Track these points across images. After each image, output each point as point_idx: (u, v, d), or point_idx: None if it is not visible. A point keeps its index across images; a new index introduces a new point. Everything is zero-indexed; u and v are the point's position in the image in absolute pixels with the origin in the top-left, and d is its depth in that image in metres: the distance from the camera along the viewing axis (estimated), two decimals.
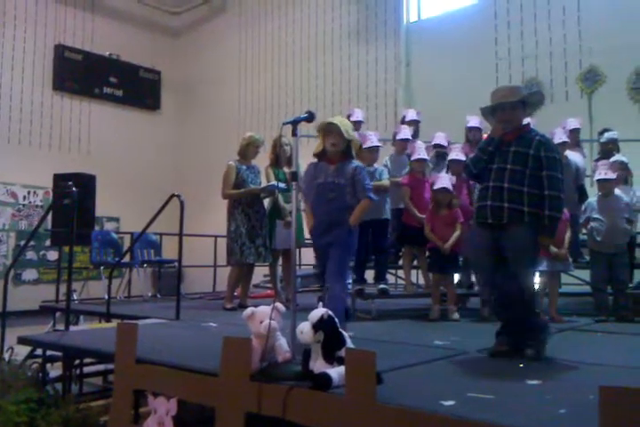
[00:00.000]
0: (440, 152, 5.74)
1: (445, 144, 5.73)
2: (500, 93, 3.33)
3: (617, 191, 4.97)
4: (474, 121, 5.63)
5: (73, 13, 11.97)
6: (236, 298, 5.82)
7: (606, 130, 6.11)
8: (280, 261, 5.86)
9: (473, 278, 5.56)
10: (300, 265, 7.86)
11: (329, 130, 3.60)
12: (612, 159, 5.37)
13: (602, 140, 6.02)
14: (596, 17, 8.33)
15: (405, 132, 5.68)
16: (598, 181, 4.94)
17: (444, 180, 4.92)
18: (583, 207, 5.11)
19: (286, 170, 5.63)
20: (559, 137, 5.34)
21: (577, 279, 6.12)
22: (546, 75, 8.69)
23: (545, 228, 3.23)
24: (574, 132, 5.95)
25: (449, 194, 4.92)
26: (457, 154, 5.26)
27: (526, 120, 3.47)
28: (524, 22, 9.05)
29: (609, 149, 5.86)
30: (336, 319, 2.55)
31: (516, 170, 3.22)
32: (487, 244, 3.27)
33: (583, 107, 8.22)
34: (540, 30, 8.88)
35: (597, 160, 5.77)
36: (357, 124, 5.67)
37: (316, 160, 3.76)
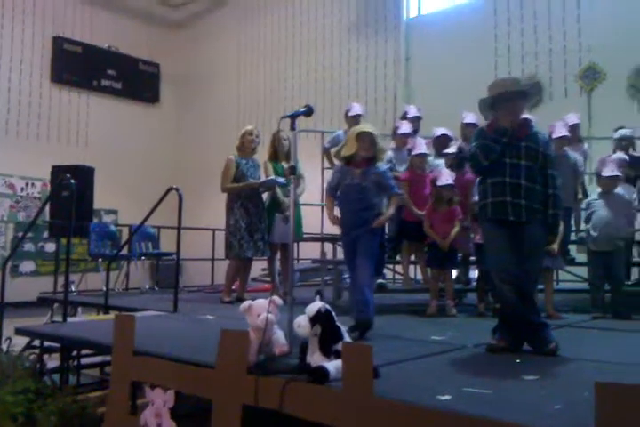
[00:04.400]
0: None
1: (451, 135, 5.69)
2: (504, 83, 3.25)
3: (618, 189, 4.93)
4: (470, 117, 5.60)
5: (72, 5, 11.92)
6: (233, 291, 5.83)
7: (622, 127, 6.01)
8: (278, 255, 5.88)
9: (471, 275, 5.57)
10: (298, 259, 7.86)
11: (363, 138, 3.82)
12: (614, 156, 5.33)
13: (615, 136, 5.97)
14: (596, 14, 8.32)
15: (406, 127, 5.67)
16: (609, 177, 4.80)
17: (448, 175, 4.89)
18: (585, 205, 5.06)
19: (285, 164, 5.63)
20: (559, 131, 5.12)
21: (574, 276, 6.14)
22: (545, 72, 8.69)
23: (550, 226, 3.24)
24: (574, 128, 5.89)
25: (452, 190, 4.90)
26: (454, 149, 5.24)
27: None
28: (524, 19, 9.04)
29: (622, 146, 5.82)
30: (333, 313, 2.56)
31: (530, 166, 3.19)
32: (507, 241, 3.21)
33: (582, 104, 8.21)
34: (539, 27, 8.87)
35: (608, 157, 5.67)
36: (356, 118, 5.66)
37: (341, 163, 4.04)
